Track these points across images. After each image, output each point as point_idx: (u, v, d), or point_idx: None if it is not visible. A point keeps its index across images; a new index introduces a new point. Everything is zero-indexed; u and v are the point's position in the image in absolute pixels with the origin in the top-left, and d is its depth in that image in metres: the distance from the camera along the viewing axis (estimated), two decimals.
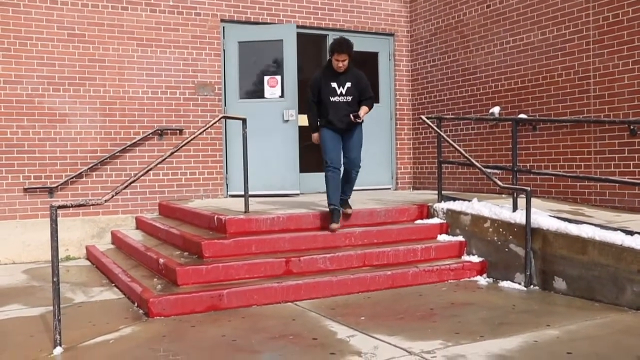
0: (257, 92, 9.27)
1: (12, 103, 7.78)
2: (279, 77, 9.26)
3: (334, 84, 6.42)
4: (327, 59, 6.59)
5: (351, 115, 6.33)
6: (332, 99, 6.41)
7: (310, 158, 9.53)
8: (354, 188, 6.78)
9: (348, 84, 6.41)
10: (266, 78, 9.25)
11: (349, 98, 6.44)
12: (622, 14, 6.94)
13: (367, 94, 6.52)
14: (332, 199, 6.46)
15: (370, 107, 6.54)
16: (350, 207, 6.79)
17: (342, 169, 6.52)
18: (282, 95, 9.21)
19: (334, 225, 6.42)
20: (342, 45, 6.29)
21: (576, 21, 7.46)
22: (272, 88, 9.22)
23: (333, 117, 6.43)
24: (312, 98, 6.56)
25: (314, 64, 10.08)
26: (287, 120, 9.17)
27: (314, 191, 9.30)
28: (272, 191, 9.01)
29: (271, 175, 9.04)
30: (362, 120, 6.45)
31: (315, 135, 6.69)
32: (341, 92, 6.41)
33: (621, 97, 6.97)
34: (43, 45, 7.94)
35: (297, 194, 9.13)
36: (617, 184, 6.87)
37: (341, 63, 6.31)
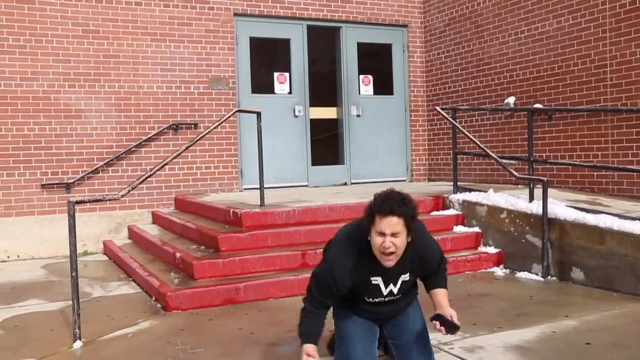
0: (268, 87, 9.33)
1: (28, 100, 7.84)
2: (287, 74, 9.38)
3: (377, 280, 3.30)
4: (363, 226, 3.21)
5: (438, 326, 3.27)
6: (370, 299, 3.38)
7: (321, 152, 9.64)
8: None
9: (404, 277, 3.34)
10: (276, 74, 9.34)
11: (404, 294, 3.45)
12: (639, 0, 6.84)
13: (438, 267, 3.56)
14: None
15: (446, 287, 3.58)
16: None
17: None
18: (290, 92, 9.36)
19: None
20: (394, 204, 3.09)
21: (592, 9, 7.37)
22: (281, 84, 9.32)
23: (367, 312, 3.45)
24: (316, 302, 3.33)
25: (327, 56, 10.07)
26: (297, 116, 9.33)
27: (324, 184, 9.49)
28: (284, 183, 9.18)
29: (283, 168, 9.23)
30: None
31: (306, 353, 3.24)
32: (390, 292, 3.35)
33: (638, 85, 6.87)
34: (58, 42, 7.98)
35: (307, 186, 9.38)
36: (635, 173, 6.79)
37: (389, 241, 3.07)
